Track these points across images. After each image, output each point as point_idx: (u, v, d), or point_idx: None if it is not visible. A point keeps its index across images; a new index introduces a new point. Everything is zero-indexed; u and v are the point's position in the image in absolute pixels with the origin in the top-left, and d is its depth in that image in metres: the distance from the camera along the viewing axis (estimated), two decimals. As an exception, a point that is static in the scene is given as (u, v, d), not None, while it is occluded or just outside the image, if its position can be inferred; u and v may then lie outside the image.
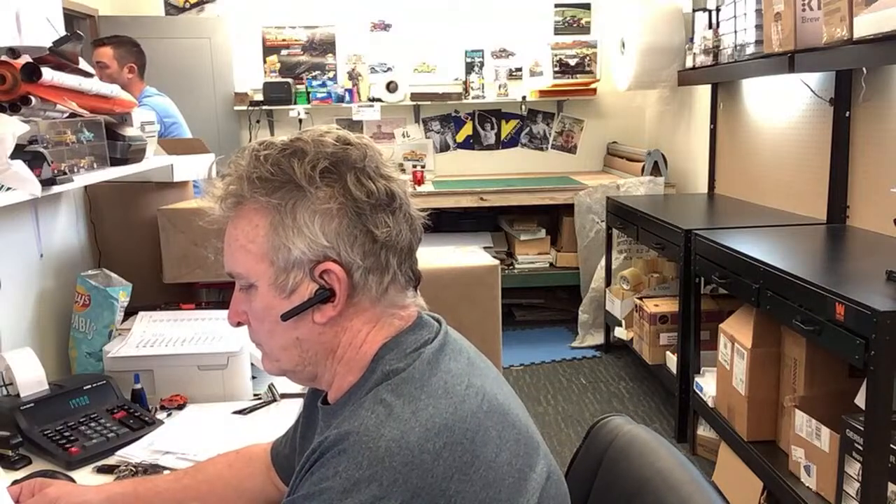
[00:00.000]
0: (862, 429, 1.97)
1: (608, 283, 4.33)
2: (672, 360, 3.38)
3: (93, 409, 1.53)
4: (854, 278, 2.36)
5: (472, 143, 5.46)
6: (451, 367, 0.88)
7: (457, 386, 0.86)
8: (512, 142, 5.47)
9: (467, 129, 5.44)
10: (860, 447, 1.98)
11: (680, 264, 3.23)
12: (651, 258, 4.22)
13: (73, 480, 1.29)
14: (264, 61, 5.25)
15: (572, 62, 5.36)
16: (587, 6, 5.33)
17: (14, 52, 1.40)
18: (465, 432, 0.81)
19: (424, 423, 0.80)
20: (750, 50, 3.20)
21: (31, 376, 1.50)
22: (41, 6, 1.88)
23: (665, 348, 3.56)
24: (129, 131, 1.84)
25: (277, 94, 5.03)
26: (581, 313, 4.59)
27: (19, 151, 1.33)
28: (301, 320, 0.90)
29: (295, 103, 5.06)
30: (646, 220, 3.64)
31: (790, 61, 2.82)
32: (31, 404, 1.46)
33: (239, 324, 0.96)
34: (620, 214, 4.04)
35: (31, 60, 1.41)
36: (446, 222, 4.99)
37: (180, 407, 1.63)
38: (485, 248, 4.24)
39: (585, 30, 5.35)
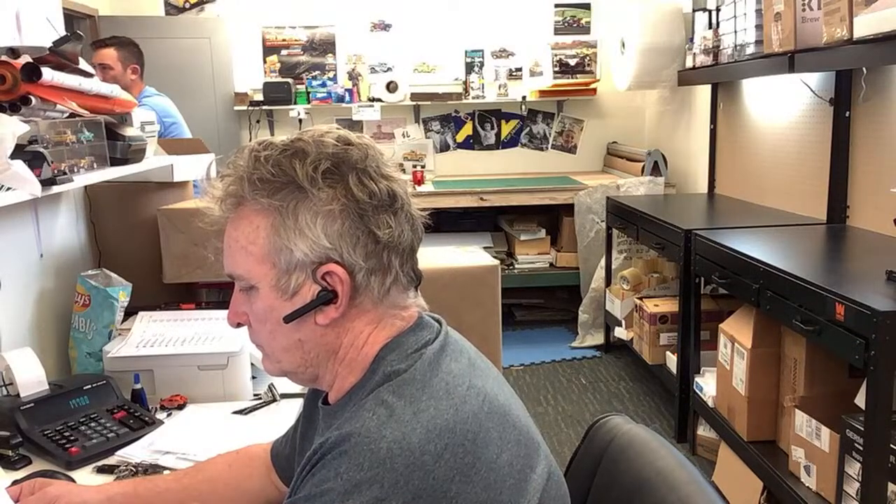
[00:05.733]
0: (862, 429, 1.97)
1: (608, 283, 4.32)
2: (672, 360, 3.38)
3: (93, 409, 1.53)
4: (854, 278, 2.36)
5: (472, 143, 5.46)
6: (452, 368, 0.88)
7: (458, 387, 0.85)
8: (512, 142, 5.47)
9: (467, 129, 5.44)
10: (860, 447, 1.98)
11: (680, 264, 3.23)
12: (651, 258, 4.22)
13: (73, 480, 1.29)
14: (264, 61, 5.25)
15: (572, 62, 5.36)
16: (587, 6, 5.33)
17: (14, 52, 1.40)
18: (466, 433, 0.81)
19: (426, 425, 0.80)
20: (750, 50, 3.20)
21: (31, 376, 1.50)
22: (41, 6, 1.88)
23: (665, 348, 3.56)
24: (129, 131, 1.84)
25: (277, 94, 5.03)
26: (581, 313, 4.59)
27: (19, 151, 1.33)
28: (303, 322, 0.89)
29: (295, 103, 5.06)
30: (646, 220, 3.64)
31: (790, 61, 2.82)
32: (31, 404, 1.46)
33: (239, 325, 0.95)
34: (620, 214, 4.04)
35: (31, 60, 1.41)
36: (446, 222, 4.99)
37: (180, 407, 1.63)
38: (485, 248, 4.24)
39: (585, 30, 5.35)
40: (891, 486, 1.94)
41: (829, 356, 2.37)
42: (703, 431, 3.13)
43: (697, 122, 4.46)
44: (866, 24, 2.22)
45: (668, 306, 3.62)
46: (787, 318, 2.31)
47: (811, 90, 3.12)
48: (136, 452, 1.42)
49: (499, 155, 5.47)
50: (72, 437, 1.42)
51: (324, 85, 5.21)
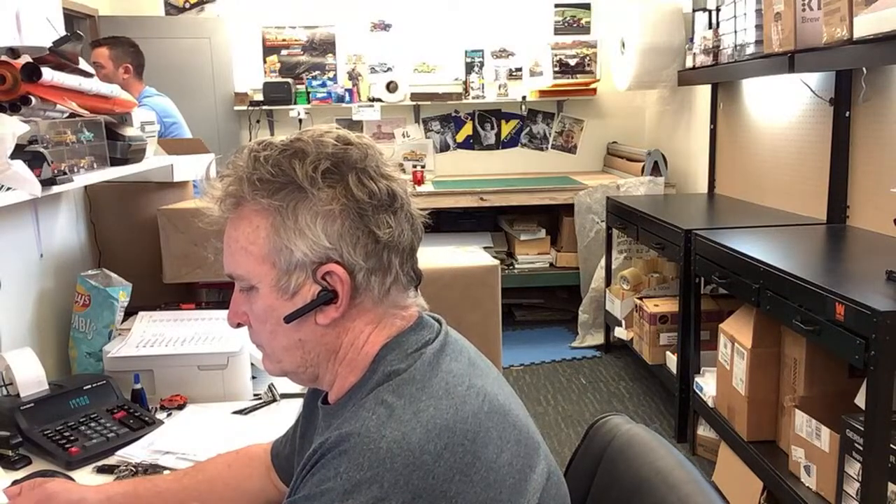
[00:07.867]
0: (862, 429, 1.97)
1: (608, 283, 4.32)
2: (672, 360, 3.38)
3: (93, 409, 1.53)
4: (854, 278, 2.36)
5: (472, 143, 5.46)
6: (452, 368, 0.88)
7: (458, 387, 0.85)
8: (512, 142, 5.47)
9: (467, 129, 5.44)
10: (860, 447, 1.98)
11: (680, 264, 3.23)
12: (651, 258, 4.22)
13: (73, 480, 1.29)
14: (264, 61, 5.25)
15: (572, 62, 5.36)
16: (587, 6, 5.33)
17: (14, 52, 1.40)
18: (465, 433, 0.81)
19: (425, 424, 0.80)
20: (750, 50, 3.20)
21: (31, 376, 1.50)
22: (41, 6, 1.88)
23: (665, 348, 3.56)
24: (129, 131, 1.84)
25: (277, 94, 5.03)
26: (581, 313, 4.59)
27: (19, 151, 1.33)
28: (303, 322, 0.89)
29: (295, 103, 5.06)
30: (646, 220, 3.64)
31: (790, 61, 2.82)
32: (31, 404, 1.46)
33: (239, 325, 0.95)
34: (620, 214, 4.04)
35: (31, 60, 1.41)
36: (446, 222, 4.99)
37: (180, 407, 1.63)
38: (485, 248, 4.24)
39: (585, 30, 5.35)
40: (891, 486, 1.94)
41: (829, 356, 2.37)
42: (703, 431, 3.13)
43: (697, 122, 4.46)
44: (866, 24, 2.22)
45: (668, 306, 3.62)
46: (786, 318, 2.31)
47: (811, 90, 3.12)
48: (136, 452, 1.42)
49: (499, 155, 5.47)
50: (72, 437, 1.42)
51: (324, 85, 5.21)
